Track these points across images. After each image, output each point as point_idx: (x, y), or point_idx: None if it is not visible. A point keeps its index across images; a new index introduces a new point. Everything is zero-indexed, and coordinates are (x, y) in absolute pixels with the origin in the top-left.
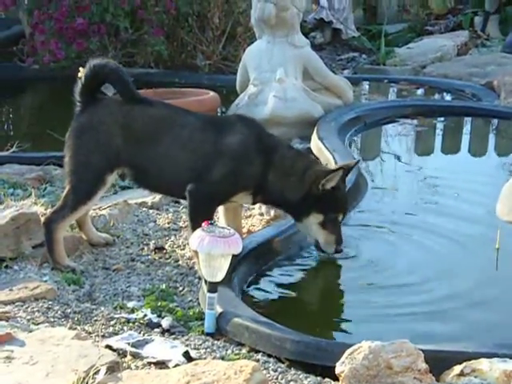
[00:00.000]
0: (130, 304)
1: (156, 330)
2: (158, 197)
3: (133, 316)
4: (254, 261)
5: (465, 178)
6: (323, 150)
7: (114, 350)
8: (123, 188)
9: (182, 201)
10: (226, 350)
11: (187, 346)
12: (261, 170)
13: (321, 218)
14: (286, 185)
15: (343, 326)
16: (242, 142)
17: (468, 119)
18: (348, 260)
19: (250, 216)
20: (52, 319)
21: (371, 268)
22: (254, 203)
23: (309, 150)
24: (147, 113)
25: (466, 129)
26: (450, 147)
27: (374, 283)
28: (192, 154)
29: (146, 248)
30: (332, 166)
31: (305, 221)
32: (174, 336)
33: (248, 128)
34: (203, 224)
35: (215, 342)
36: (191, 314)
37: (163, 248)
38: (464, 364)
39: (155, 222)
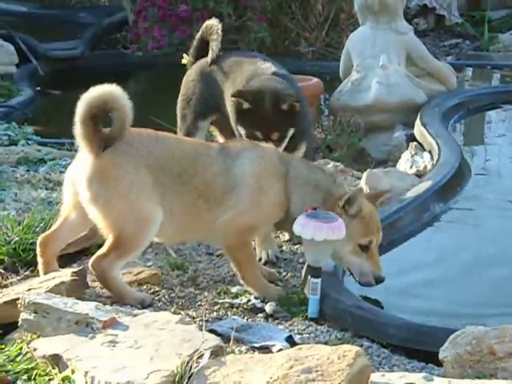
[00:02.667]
0: (234, 289)
1: (260, 315)
2: None
3: (236, 301)
4: None
5: None
6: (427, 136)
7: (218, 335)
8: None
9: None
10: (330, 335)
11: (291, 330)
12: None
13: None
14: None
15: (446, 311)
16: None
17: None
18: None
19: None
20: (156, 304)
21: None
22: None
23: (412, 136)
24: None
25: None
26: None
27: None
28: None
29: None
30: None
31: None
32: (277, 321)
33: None
34: (307, 209)
35: (319, 327)
36: (295, 299)
37: None
38: None
39: None
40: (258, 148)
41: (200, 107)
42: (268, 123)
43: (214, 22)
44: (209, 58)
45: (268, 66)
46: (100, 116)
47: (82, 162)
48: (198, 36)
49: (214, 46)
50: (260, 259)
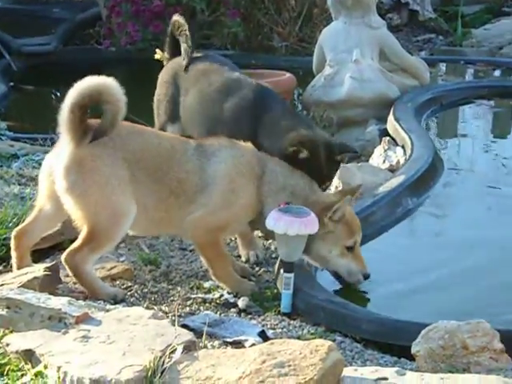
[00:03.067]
0: (207, 284)
1: (232, 309)
2: None
3: (209, 296)
4: None
5: None
6: (399, 131)
7: (191, 330)
8: None
9: None
10: (302, 330)
11: (263, 325)
12: None
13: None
14: None
15: (416, 305)
16: None
17: None
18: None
19: None
20: (129, 299)
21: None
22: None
23: (385, 130)
24: None
25: None
26: None
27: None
28: None
29: None
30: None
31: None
32: (250, 316)
33: None
34: (280, 204)
35: (291, 321)
36: (268, 294)
37: None
38: None
39: None
40: (235, 147)
41: (170, 111)
42: (322, 174)
43: (179, 20)
44: (183, 64)
45: (237, 77)
46: (89, 106)
47: (62, 150)
48: (168, 33)
49: (184, 52)
50: (247, 261)
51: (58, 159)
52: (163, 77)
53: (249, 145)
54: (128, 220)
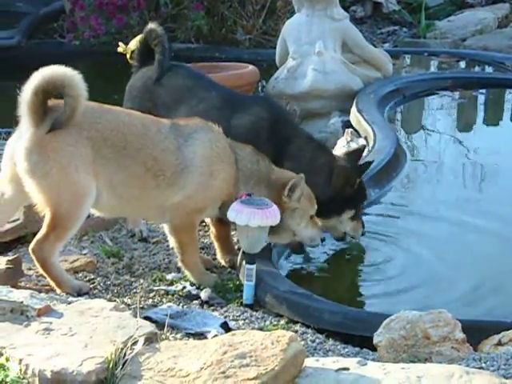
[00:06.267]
0: (169, 276)
1: (195, 301)
2: None
3: (172, 288)
4: None
5: (506, 150)
6: (362, 123)
7: (153, 322)
8: None
9: None
10: (265, 321)
11: (226, 317)
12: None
13: (352, 213)
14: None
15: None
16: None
17: (508, 91)
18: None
19: None
20: (92, 291)
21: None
22: None
23: (348, 122)
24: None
25: (507, 101)
26: (491, 119)
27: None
28: None
29: None
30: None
31: (335, 218)
32: (212, 307)
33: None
34: (242, 196)
35: (254, 313)
36: (230, 285)
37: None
38: (502, 334)
39: None
40: (210, 131)
41: None
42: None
43: (157, 30)
44: (154, 75)
45: (227, 93)
46: (52, 93)
47: (23, 133)
48: (141, 39)
49: (158, 63)
50: (232, 266)
51: (19, 142)
52: (133, 90)
53: (220, 130)
54: (90, 199)
